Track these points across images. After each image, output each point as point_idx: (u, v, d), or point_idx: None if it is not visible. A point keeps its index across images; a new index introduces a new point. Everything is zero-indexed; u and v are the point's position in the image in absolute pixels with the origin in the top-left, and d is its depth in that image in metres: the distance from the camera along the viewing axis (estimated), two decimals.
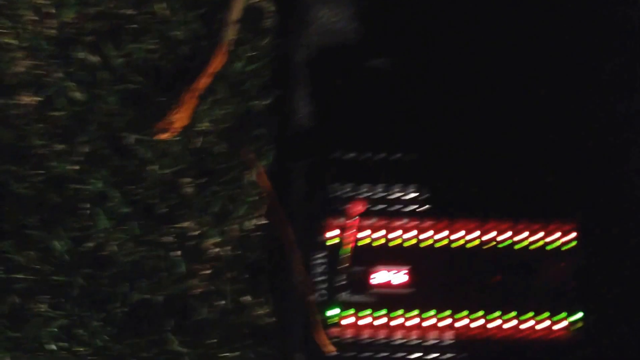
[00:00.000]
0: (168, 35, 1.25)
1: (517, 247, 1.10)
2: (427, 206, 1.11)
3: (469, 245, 1.10)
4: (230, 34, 1.25)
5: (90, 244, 1.18)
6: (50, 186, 1.19)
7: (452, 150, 1.16)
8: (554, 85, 1.18)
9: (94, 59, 1.23)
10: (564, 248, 1.10)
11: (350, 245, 1.08)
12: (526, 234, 1.10)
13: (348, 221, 1.05)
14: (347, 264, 1.07)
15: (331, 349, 1.07)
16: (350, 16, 1.23)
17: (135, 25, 1.26)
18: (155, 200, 1.20)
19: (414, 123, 1.18)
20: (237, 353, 1.15)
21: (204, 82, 1.23)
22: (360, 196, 1.11)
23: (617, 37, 1.19)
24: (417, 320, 1.08)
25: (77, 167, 1.20)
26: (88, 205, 1.19)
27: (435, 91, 1.20)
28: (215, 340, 1.16)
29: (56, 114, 1.21)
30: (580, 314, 1.08)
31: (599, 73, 1.20)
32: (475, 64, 1.19)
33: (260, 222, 1.21)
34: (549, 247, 1.10)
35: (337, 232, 1.11)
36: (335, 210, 1.11)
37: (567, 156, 1.15)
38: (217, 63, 1.24)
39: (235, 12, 1.26)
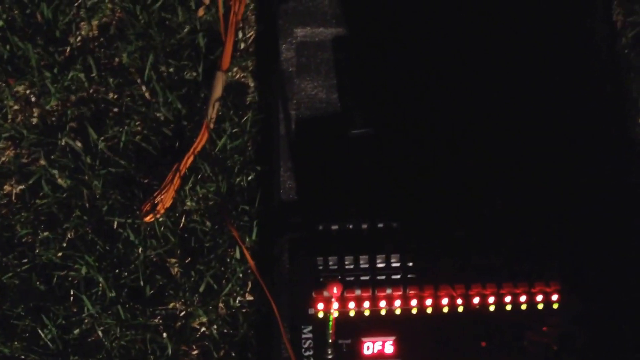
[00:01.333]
0: (151, 116, 1.26)
1: (502, 310, 1.07)
2: (411, 275, 1.09)
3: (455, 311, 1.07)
4: (212, 112, 1.25)
5: (76, 331, 1.17)
6: (35, 274, 1.18)
7: (433, 218, 1.14)
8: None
9: (78, 145, 1.23)
10: (548, 309, 1.07)
11: (335, 318, 1.06)
12: (509, 298, 1.07)
13: (331, 296, 1.02)
14: (333, 338, 1.05)
15: None
16: (331, 86, 1.23)
17: (116, 109, 1.26)
18: (141, 282, 1.18)
19: (396, 191, 1.17)
20: None
21: (187, 161, 1.23)
22: (341, 273, 1.09)
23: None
24: None
25: (61, 254, 1.19)
26: (73, 292, 1.18)
27: (419, 159, 1.19)
28: None
29: (40, 201, 1.21)
30: None
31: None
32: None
33: (246, 299, 1.19)
34: (533, 309, 1.06)
35: (322, 305, 1.08)
36: (320, 284, 1.09)
37: (547, 216, 1.13)
38: (200, 141, 1.24)
39: (217, 90, 1.26)
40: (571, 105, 1.19)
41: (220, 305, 1.19)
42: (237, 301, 1.19)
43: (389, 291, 1.09)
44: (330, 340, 1.04)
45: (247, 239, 1.21)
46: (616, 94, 1.22)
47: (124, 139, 1.24)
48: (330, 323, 1.02)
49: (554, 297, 1.07)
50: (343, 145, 1.20)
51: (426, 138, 1.19)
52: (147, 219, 1.20)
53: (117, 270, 1.19)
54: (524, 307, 1.08)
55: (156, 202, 1.21)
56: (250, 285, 1.20)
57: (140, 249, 1.20)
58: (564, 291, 1.08)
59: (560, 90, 1.21)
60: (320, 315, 1.08)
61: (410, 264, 1.10)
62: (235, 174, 1.25)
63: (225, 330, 1.18)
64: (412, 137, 1.19)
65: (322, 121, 1.22)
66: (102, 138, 1.24)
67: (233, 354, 1.17)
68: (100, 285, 1.18)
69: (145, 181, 1.24)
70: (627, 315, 1.08)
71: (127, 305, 1.18)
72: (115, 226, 1.21)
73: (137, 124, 1.26)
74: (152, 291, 1.19)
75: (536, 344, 1.06)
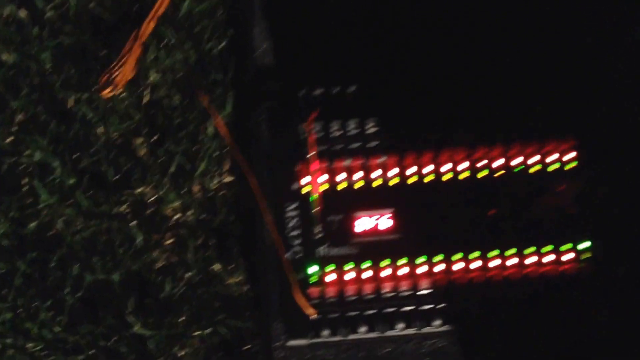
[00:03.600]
0: None
1: (512, 172, 0.93)
2: (408, 139, 0.94)
3: (460, 177, 0.93)
4: None
5: (33, 224, 1.03)
6: None
7: (430, 72, 0.99)
8: None
9: (22, 13, 1.08)
10: (564, 169, 0.93)
11: (323, 191, 0.92)
12: (521, 158, 0.93)
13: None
14: (322, 214, 0.91)
15: (312, 312, 0.91)
16: None
17: None
18: (104, 166, 1.04)
19: (389, 45, 1.01)
20: (208, 330, 1.00)
21: (148, 28, 1.08)
22: (327, 141, 0.95)
23: None
24: (407, 270, 0.92)
25: (10, 139, 1.05)
26: (27, 180, 1.04)
27: (408, 12, 1.03)
28: (183, 318, 1.00)
29: None
30: (587, 243, 0.91)
31: None
32: None
33: (224, 180, 1.05)
34: (547, 170, 0.93)
35: (309, 179, 0.94)
36: (305, 154, 0.95)
37: (559, 66, 0.98)
38: (160, 5, 1.08)
39: None
40: None
41: (195, 187, 1.05)
42: (214, 182, 1.05)
43: (382, 159, 0.95)
44: (320, 216, 0.91)
45: (222, 113, 1.06)
46: None
47: (74, 4, 1.08)
48: (313, 196, 0.88)
49: (571, 155, 0.93)
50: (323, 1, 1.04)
51: None
52: (105, 93, 1.06)
53: (75, 154, 1.05)
54: (536, 167, 0.94)
55: (115, 74, 1.06)
56: (228, 165, 1.06)
57: (100, 129, 1.05)
58: (581, 147, 0.93)
59: None
60: (306, 190, 0.94)
61: (406, 127, 0.95)
62: (205, 41, 1.09)
63: (203, 216, 1.04)
64: None
65: None
66: (50, 5, 1.09)
67: (212, 242, 1.03)
68: (57, 171, 1.03)
69: (103, 52, 1.09)
70: None
71: (89, 193, 1.04)
72: (70, 104, 1.06)
73: None
74: (116, 176, 1.05)
75: (551, 207, 0.92)
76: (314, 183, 0.94)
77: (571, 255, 0.91)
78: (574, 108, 0.96)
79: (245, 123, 1.04)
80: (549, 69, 0.98)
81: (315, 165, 0.89)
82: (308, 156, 0.94)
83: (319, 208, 0.91)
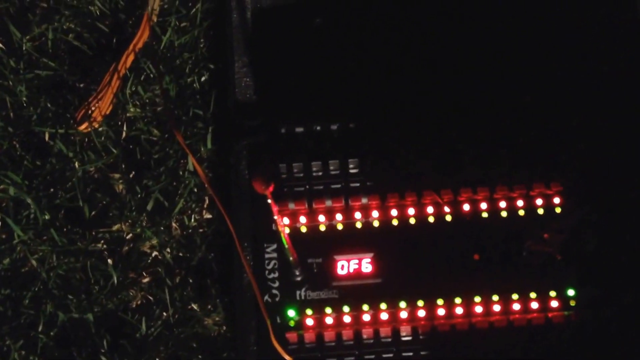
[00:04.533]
0: (84, 10, 1.08)
1: (497, 217, 0.92)
2: (390, 181, 0.93)
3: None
4: (154, 2, 1.07)
5: (7, 261, 1.01)
6: None
7: (417, 114, 0.97)
8: None
9: None
10: (550, 214, 0.91)
11: (304, 233, 0.91)
12: (504, 203, 0.91)
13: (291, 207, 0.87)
14: (294, 256, 0.89)
15: (288, 358, 0.89)
16: None
17: (44, 4, 1.09)
18: (80, 202, 1.02)
19: (370, 85, 1.00)
20: None
21: (127, 60, 1.06)
22: (308, 181, 0.93)
23: None
24: (386, 316, 0.90)
25: None
26: (0, 216, 1.01)
27: (395, 47, 1.02)
28: (158, 359, 0.98)
29: None
30: (572, 291, 0.89)
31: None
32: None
33: (203, 217, 1.03)
34: (533, 215, 0.91)
35: (287, 220, 0.92)
36: (284, 194, 0.93)
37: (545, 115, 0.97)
38: (140, 37, 1.07)
39: None
40: None
41: (174, 225, 1.03)
42: (192, 220, 1.03)
43: (364, 200, 0.93)
44: (291, 259, 0.89)
45: (203, 148, 1.04)
46: None
47: (52, 37, 1.06)
48: (284, 240, 0.86)
49: (556, 200, 0.92)
50: (307, 35, 1.02)
51: (403, 23, 1.02)
52: (83, 128, 1.04)
53: (50, 190, 1.03)
54: (521, 212, 0.92)
55: (92, 108, 1.04)
56: (207, 202, 1.04)
57: (76, 164, 1.03)
58: (567, 193, 0.91)
59: None
60: (286, 231, 0.92)
61: (389, 168, 0.93)
62: (187, 75, 1.08)
63: (181, 254, 1.02)
64: (385, 23, 1.02)
65: (281, 9, 1.04)
66: (27, 37, 1.07)
67: (190, 280, 1.01)
68: (32, 207, 1.01)
69: (81, 85, 1.07)
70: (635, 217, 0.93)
71: (64, 229, 1.02)
72: (46, 138, 1.04)
73: (68, 19, 1.08)
74: (92, 212, 1.03)
75: (536, 254, 0.90)
76: (293, 226, 0.93)
77: (557, 302, 0.90)
78: (561, 154, 0.95)
79: (226, 159, 1.02)
80: (535, 117, 0.97)
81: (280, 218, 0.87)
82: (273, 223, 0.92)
83: (291, 251, 0.89)
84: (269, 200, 0.84)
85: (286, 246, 0.87)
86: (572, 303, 0.90)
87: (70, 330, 1.00)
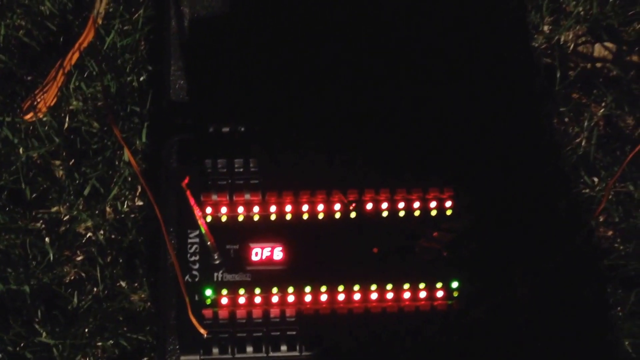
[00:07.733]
0: (34, 10, 1.18)
1: (395, 216, 1.04)
2: (304, 178, 1.05)
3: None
4: (100, 6, 1.18)
5: None
6: None
7: (328, 118, 1.10)
8: None
9: None
10: (441, 215, 1.04)
11: (222, 223, 1.02)
12: (403, 204, 1.04)
13: (215, 197, 0.98)
14: (212, 241, 1.00)
15: (204, 332, 1.00)
16: None
17: None
18: (22, 185, 1.12)
19: (292, 91, 1.12)
20: (110, 342, 1.08)
21: (72, 57, 1.16)
22: (231, 176, 1.05)
23: None
24: (293, 298, 1.02)
25: None
26: None
27: (316, 57, 1.14)
28: (87, 330, 1.08)
29: None
30: (456, 283, 1.02)
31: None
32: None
33: (135, 204, 1.14)
34: (426, 216, 1.04)
35: (210, 210, 1.04)
36: (208, 187, 1.04)
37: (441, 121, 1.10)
38: (85, 37, 1.17)
39: None
40: None
41: (108, 209, 1.14)
42: (125, 206, 1.14)
43: (279, 196, 1.05)
44: (209, 244, 1.00)
45: (138, 141, 1.15)
46: None
47: (3, 32, 1.16)
48: (201, 226, 0.98)
49: (448, 204, 1.04)
50: (236, 44, 1.14)
51: (324, 33, 1.14)
52: (28, 117, 1.14)
53: None
54: (417, 213, 1.04)
55: (38, 100, 1.14)
56: (139, 190, 1.15)
57: (21, 149, 1.13)
58: (458, 198, 1.04)
59: None
60: (209, 219, 1.03)
61: (302, 169, 1.05)
62: (127, 74, 1.18)
63: (113, 236, 1.13)
64: (309, 33, 1.14)
65: (215, 20, 1.16)
66: None
67: (120, 260, 1.12)
68: None
69: (28, 78, 1.17)
70: (518, 226, 1.06)
71: (6, 209, 1.12)
72: None
73: (19, 17, 1.18)
74: (34, 194, 1.13)
75: (427, 250, 1.03)
76: (214, 215, 1.04)
77: (442, 292, 1.02)
78: (456, 162, 1.07)
79: (158, 152, 1.13)
80: (432, 127, 1.10)
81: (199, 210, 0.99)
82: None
83: (208, 236, 1.00)
84: (187, 191, 0.96)
85: (203, 232, 0.99)
86: (455, 294, 1.03)
87: (7, 300, 1.09)
